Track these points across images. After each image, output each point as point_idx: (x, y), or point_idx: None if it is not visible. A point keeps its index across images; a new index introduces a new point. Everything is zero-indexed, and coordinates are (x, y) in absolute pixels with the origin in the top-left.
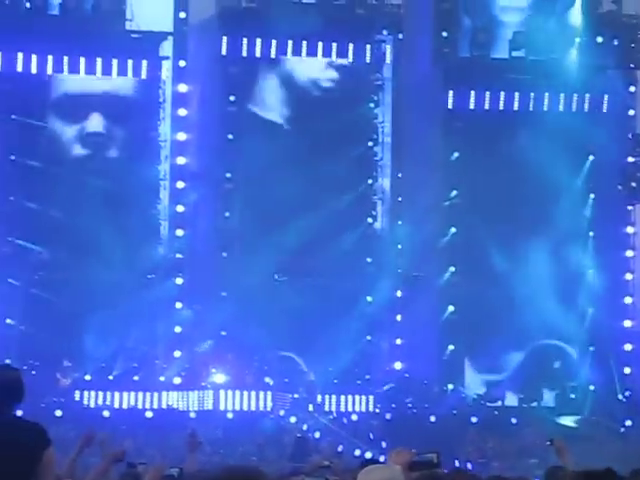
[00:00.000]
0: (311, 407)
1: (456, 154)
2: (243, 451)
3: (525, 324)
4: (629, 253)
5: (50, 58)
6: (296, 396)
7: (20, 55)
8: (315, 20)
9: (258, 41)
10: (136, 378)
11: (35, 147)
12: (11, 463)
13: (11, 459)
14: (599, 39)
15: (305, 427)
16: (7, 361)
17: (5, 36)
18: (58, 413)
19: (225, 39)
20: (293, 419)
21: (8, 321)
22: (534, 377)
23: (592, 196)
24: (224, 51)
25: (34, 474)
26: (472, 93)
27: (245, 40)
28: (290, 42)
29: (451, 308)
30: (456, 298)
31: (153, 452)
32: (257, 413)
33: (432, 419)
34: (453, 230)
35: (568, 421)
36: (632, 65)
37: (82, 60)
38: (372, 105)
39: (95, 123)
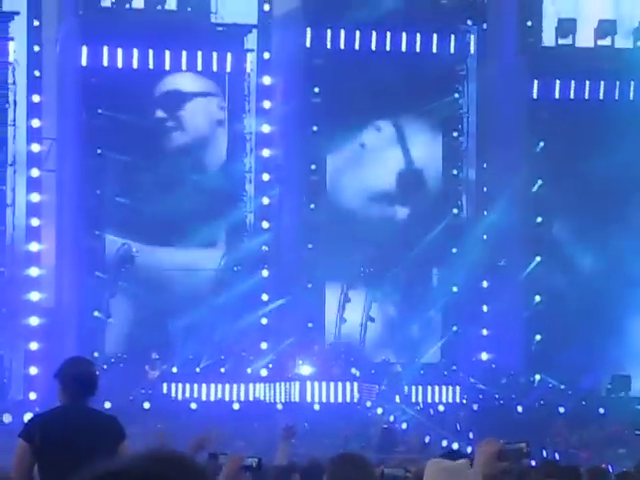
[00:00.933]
0: (398, 398)
1: (541, 144)
2: (329, 443)
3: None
4: None
5: (135, 52)
6: (383, 387)
7: (105, 49)
8: (399, 11)
9: (342, 32)
10: (223, 370)
11: (124, 141)
12: (88, 452)
13: (88, 448)
14: None
15: (392, 418)
16: (95, 354)
17: (91, 30)
18: (146, 405)
19: (309, 31)
20: (380, 410)
21: (96, 314)
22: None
23: None
24: (308, 43)
25: None
26: (557, 82)
27: (329, 32)
28: (374, 33)
29: (537, 298)
30: (542, 288)
31: (240, 444)
32: (343, 404)
33: (519, 410)
34: (539, 220)
35: None
36: None
37: (167, 54)
38: (457, 95)
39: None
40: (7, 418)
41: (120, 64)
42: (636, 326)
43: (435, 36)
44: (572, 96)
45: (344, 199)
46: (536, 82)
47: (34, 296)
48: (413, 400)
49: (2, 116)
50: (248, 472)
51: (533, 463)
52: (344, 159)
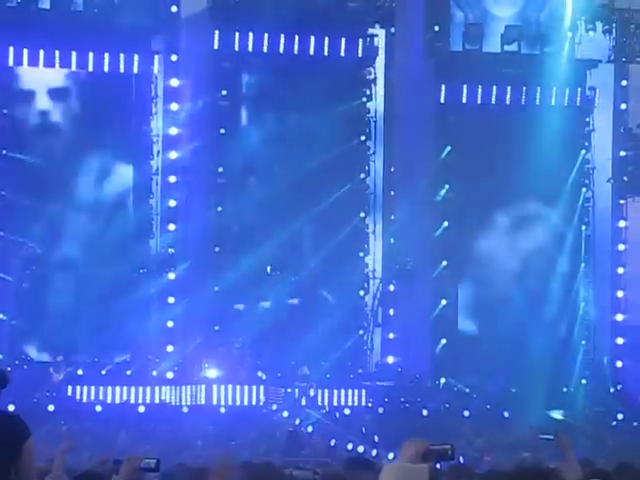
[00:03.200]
0: (304, 401)
1: (448, 148)
2: (235, 445)
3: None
4: (621, 247)
5: (41, 53)
6: (289, 390)
7: (11, 49)
8: (307, 14)
9: (250, 35)
10: (128, 373)
11: (25, 142)
12: None
13: None
14: (591, 33)
15: (298, 421)
16: None
17: None
18: (50, 408)
19: (217, 33)
20: (286, 413)
21: (0, 316)
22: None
23: (584, 190)
24: (216, 45)
25: (14, 465)
26: (464, 87)
27: (237, 34)
28: (282, 36)
29: (444, 302)
30: (448, 292)
31: (146, 447)
32: (249, 407)
33: (424, 413)
34: (445, 224)
35: (559, 414)
36: (624, 59)
37: (74, 54)
38: (364, 99)
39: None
40: None
41: (25, 64)
42: (536, 334)
43: (343, 40)
44: (479, 101)
45: (251, 202)
46: (443, 87)
47: None
48: (319, 403)
49: None
50: (146, 473)
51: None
52: (250, 162)
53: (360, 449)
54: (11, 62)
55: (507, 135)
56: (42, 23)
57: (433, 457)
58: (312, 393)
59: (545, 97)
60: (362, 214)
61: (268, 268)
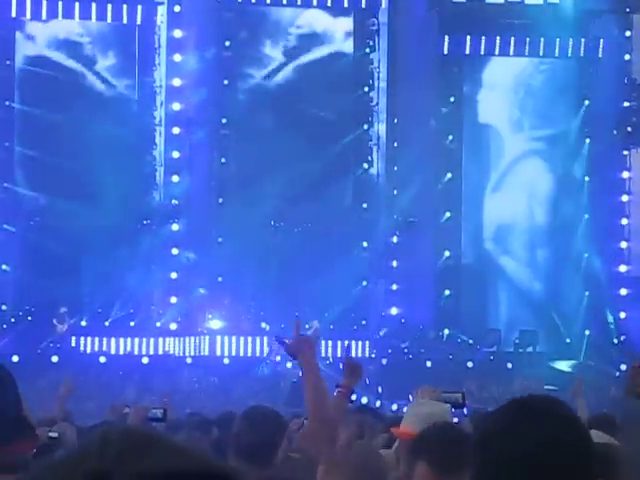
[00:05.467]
0: None
1: (452, 99)
2: (239, 396)
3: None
4: (624, 198)
5: (44, 4)
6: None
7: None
8: None
9: None
10: (132, 324)
11: (33, 94)
12: None
13: None
14: None
15: (301, 373)
16: (3, 307)
17: None
18: (54, 359)
19: None
20: (289, 365)
21: (4, 267)
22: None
23: (588, 141)
24: None
25: None
26: (468, 38)
27: None
28: None
29: (447, 253)
30: (452, 243)
31: (150, 397)
32: (253, 359)
33: (428, 364)
34: (449, 176)
35: (563, 366)
36: (628, 9)
37: (77, 5)
38: (368, 50)
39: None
40: None
41: (28, 15)
42: (538, 285)
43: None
44: (482, 52)
45: (255, 153)
46: (447, 38)
47: None
48: (322, 354)
49: None
50: (154, 423)
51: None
52: (254, 112)
53: (364, 400)
54: (14, 13)
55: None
56: None
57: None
58: (318, 344)
59: (548, 48)
60: (365, 165)
61: (272, 221)
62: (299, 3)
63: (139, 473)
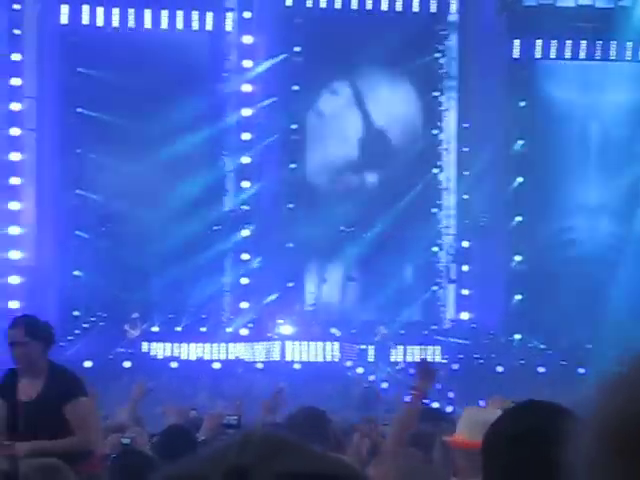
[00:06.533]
0: (377, 357)
1: (522, 103)
2: (309, 401)
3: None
4: None
5: (116, 11)
6: (363, 347)
7: (86, 8)
8: None
9: None
10: (203, 329)
11: (103, 101)
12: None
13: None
14: None
15: (372, 378)
16: (76, 313)
17: None
18: (126, 364)
19: None
20: (360, 370)
21: (76, 273)
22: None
23: None
24: (289, 2)
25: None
26: (538, 42)
27: None
28: None
29: (518, 258)
30: (523, 248)
31: (221, 403)
32: (324, 364)
33: (499, 369)
34: (520, 180)
35: None
36: None
37: (147, 13)
38: (437, 55)
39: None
40: None
41: (100, 23)
42: (612, 287)
43: None
44: (553, 55)
45: (324, 159)
46: (517, 42)
47: (14, 255)
48: (393, 359)
49: None
50: (229, 429)
51: None
52: (323, 117)
53: (435, 405)
54: (86, 20)
55: (583, 90)
56: None
57: None
58: (388, 350)
59: (620, 52)
60: (435, 170)
61: (342, 228)
62: (368, 8)
63: (277, 472)
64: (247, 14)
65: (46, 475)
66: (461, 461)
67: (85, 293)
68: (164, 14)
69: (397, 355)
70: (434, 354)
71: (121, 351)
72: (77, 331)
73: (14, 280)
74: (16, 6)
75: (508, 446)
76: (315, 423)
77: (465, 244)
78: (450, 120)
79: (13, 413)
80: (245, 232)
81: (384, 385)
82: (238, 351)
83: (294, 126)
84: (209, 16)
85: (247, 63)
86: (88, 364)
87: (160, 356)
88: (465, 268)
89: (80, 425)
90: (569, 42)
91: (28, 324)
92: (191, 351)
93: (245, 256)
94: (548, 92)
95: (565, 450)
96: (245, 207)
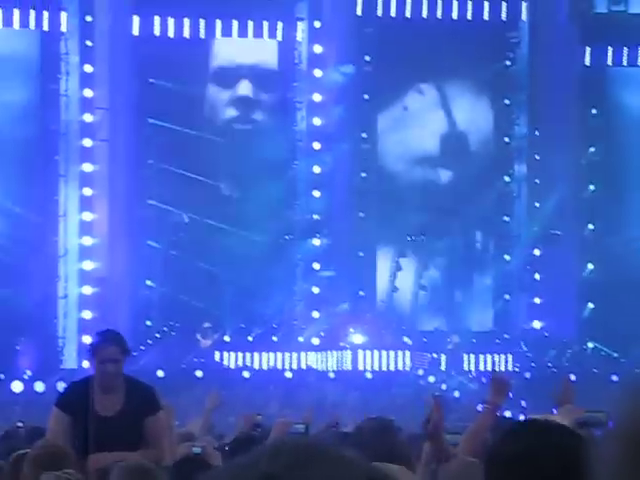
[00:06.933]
0: (449, 366)
1: (594, 111)
2: (381, 411)
3: None
4: None
5: (187, 21)
6: (435, 355)
7: (157, 19)
8: None
9: (392, 1)
10: (275, 339)
11: (175, 111)
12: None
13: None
14: None
15: (444, 387)
16: (148, 322)
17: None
18: (198, 374)
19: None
20: (432, 378)
21: (148, 283)
22: None
23: None
24: (359, 11)
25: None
26: (610, 49)
27: (378, 0)
28: (425, 0)
29: (590, 266)
30: (595, 256)
31: (292, 411)
32: (395, 373)
33: (572, 378)
34: (592, 188)
35: None
36: None
37: (218, 23)
38: (508, 63)
39: (243, 88)
40: (61, 386)
41: (171, 33)
42: None
43: (487, 3)
44: (625, 63)
45: (393, 166)
46: (588, 49)
47: (87, 265)
48: (465, 368)
49: (55, 86)
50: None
51: None
52: (392, 124)
53: (507, 414)
54: (157, 31)
55: None
56: None
57: (589, 424)
58: (459, 359)
59: None
60: (507, 178)
61: (410, 237)
62: (439, 16)
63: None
64: (317, 23)
65: (137, 477)
66: None
67: (157, 303)
68: (235, 24)
69: (469, 364)
70: (506, 363)
71: (193, 360)
72: (149, 341)
73: (87, 290)
74: (88, 18)
75: (508, 466)
76: (383, 433)
77: (537, 252)
78: (521, 128)
79: (96, 428)
80: (316, 241)
81: (456, 394)
82: (310, 360)
83: (364, 135)
84: (279, 26)
85: (317, 72)
86: (160, 374)
87: (232, 365)
88: (537, 276)
89: (157, 439)
90: None
91: (122, 340)
92: (263, 360)
93: (316, 265)
94: (620, 99)
95: (589, 458)
96: (316, 216)
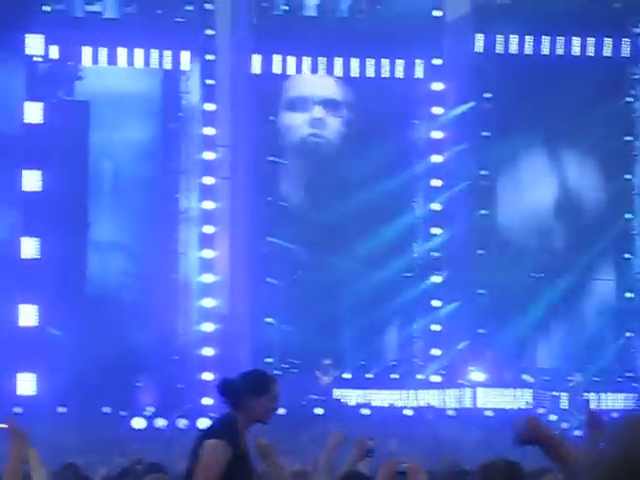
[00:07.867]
0: (571, 405)
1: None
2: (503, 450)
3: None
4: None
5: (307, 60)
6: (555, 394)
7: (278, 57)
8: (570, 15)
9: (513, 38)
10: (394, 376)
11: (295, 148)
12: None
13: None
14: None
15: (565, 425)
16: (268, 360)
17: (263, 38)
18: (318, 411)
19: (480, 36)
20: (553, 417)
21: (268, 320)
22: None
23: None
24: (479, 48)
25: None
26: None
27: (499, 37)
28: (545, 38)
29: None
30: None
31: (410, 449)
32: (516, 411)
33: None
34: None
35: None
36: None
37: (339, 61)
38: (630, 99)
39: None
40: (182, 423)
41: (292, 71)
42: None
43: (608, 40)
44: None
45: (514, 204)
46: None
47: (208, 302)
48: (586, 407)
49: (175, 125)
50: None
51: None
52: (513, 163)
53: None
54: (278, 70)
55: None
56: (308, 30)
57: None
58: (581, 397)
59: None
60: (628, 215)
61: (530, 273)
62: (559, 52)
63: None
64: (437, 61)
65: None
66: None
67: (277, 340)
68: (354, 62)
69: (591, 402)
70: (628, 401)
71: (313, 398)
72: None
73: (208, 327)
74: (209, 57)
75: None
76: (509, 476)
77: None
78: None
79: (248, 464)
80: (436, 278)
81: (577, 433)
82: (429, 398)
83: (484, 172)
84: (399, 63)
85: (437, 110)
86: (281, 411)
87: (352, 403)
88: None
89: None
90: None
91: None
92: (382, 398)
93: (436, 302)
94: None
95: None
96: (435, 254)
